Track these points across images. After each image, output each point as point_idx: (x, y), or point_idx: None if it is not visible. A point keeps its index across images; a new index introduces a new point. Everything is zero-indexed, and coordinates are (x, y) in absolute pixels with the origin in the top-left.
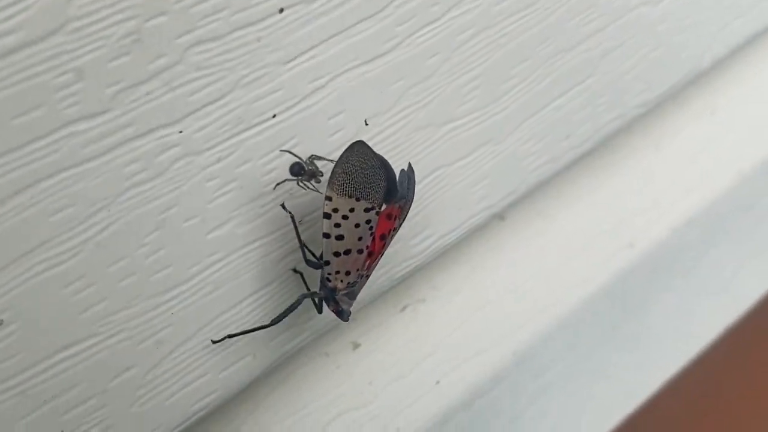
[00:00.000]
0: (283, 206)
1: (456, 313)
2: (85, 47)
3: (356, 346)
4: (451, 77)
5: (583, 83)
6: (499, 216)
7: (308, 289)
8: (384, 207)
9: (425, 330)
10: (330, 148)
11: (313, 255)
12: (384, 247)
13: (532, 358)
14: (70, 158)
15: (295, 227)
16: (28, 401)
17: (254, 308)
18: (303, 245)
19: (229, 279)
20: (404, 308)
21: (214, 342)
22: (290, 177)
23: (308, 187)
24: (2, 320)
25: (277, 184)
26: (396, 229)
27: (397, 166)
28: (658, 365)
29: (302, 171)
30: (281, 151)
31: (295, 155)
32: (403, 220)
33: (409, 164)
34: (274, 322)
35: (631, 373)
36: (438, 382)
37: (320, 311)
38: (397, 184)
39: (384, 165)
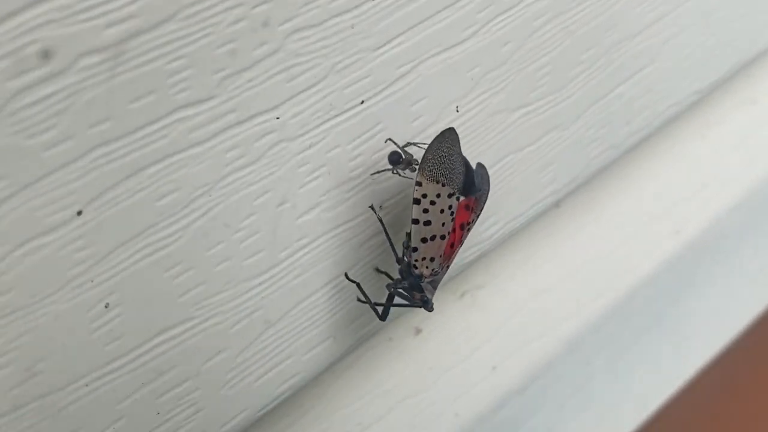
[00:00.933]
0: (372, 208)
1: (512, 299)
2: (196, 34)
3: (418, 331)
4: (524, 63)
5: (644, 70)
6: (555, 203)
7: (364, 294)
8: (463, 198)
9: (483, 316)
10: (412, 133)
11: (394, 249)
12: (463, 237)
13: (582, 346)
14: (178, 144)
15: (384, 228)
16: (127, 384)
17: (338, 291)
18: (391, 242)
19: (316, 263)
20: (463, 294)
21: (346, 277)
22: (388, 165)
23: (402, 175)
24: (108, 303)
25: (376, 172)
26: (473, 221)
27: (474, 151)
28: (696, 350)
29: (400, 159)
30: (386, 141)
31: (396, 143)
32: (480, 213)
33: (480, 163)
34: (383, 317)
35: (670, 360)
36: (494, 368)
37: (384, 318)
38: (475, 178)
39: (463, 159)
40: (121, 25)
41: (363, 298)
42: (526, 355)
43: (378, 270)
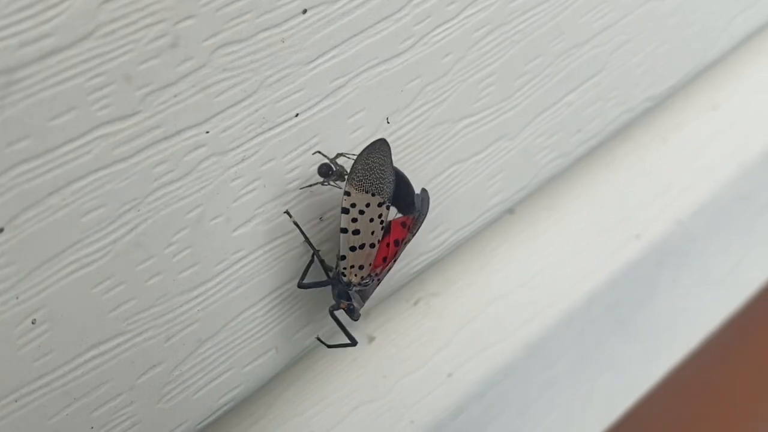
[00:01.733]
0: (287, 213)
1: (468, 306)
2: (116, 50)
3: (371, 339)
4: (466, 74)
5: (594, 78)
6: (509, 210)
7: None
8: (400, 216)
9: (438, 323)
10: (350, 145)
11: (320, 258)
12: (397, 253)
13: (542, 351)
14: (102, 159)
15: (303, 233)
16: (58, 399)
17: (277, 303)
18: (314, 248)
19: (253, 275)
20: (417, 302)
21: (299, 287)
22: (318, 178)
23: (334, 186)
24: (35, 320)
25: (307, 186)
26: (408, 240)
27: (417, 161)
28: (661, 355)
29: (330, 171)
30: (314, 153)
31: (325, 155)
32: (416, 232)
33: (423, 188)
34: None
35: (635, 363)
36: (450, 375)
37: (354, 343)
38: (416, 200)
39: (403, 179)
40: (36, 44)
41: (335, 316)
42: (482, 362)
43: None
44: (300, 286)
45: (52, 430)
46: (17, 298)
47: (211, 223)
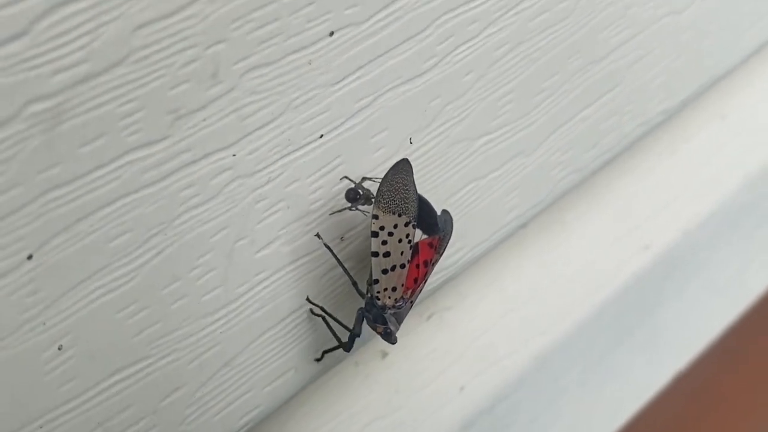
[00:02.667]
0: (318, 236)
1: (480, 319)
2: (148, 76)
3: (384, 355)
4: (486, 92)
5: (610, 93)
6: (520, 226)
7: (329, 320)
8: (426, 237)
9: (450, 337)
10: (372, 165)
11: (353, 281)
12: (427, 274)
13: (552, 363)
14: (130, 185)
15: (335, 257)
16: (82, 424)
17: (297, 324)
18: (348, 273)
19: (275, 297)
20: (430, 317)
21: (317, 360)
22: (345, 203)
23: (362, 211)
24: (61, 345)
25: (336, 211)
26: (436, 261)
27: (436, 179)
28: (665, 363)
29: (358, 196)
30: (341, 179)
31: (351, 180)
32: (442, 252)
33: (445, 209)
34: (349, 345)
35: (639, 372)
36: (462, 389)
37: (349, 349)
38: (438, 221)
39: (423, 201)
40: (69, 71)
41: (328, 327)
42: (494, 375)
43: (309, 300)
44: (350, 343)
45: None
46: (44, 324)
47: (236, 246)
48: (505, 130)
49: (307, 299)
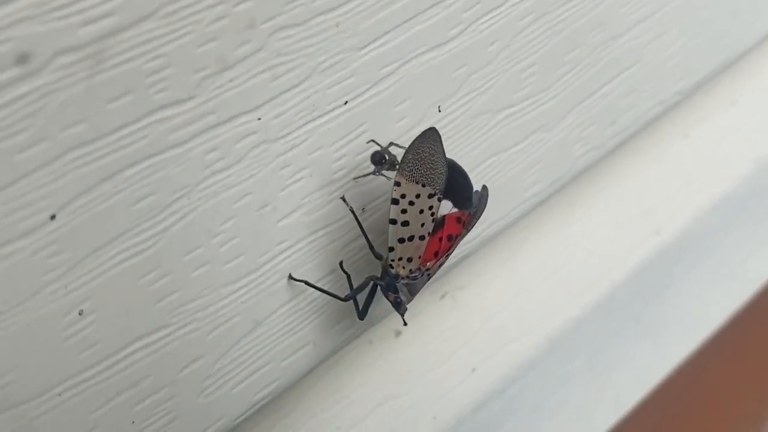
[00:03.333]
0: (343, 199)
1: (493, 300)
2: (176, 32)
3: (398, 334)
4: (510, 63)
5: (629, 70)
6: (538, 203)
7: (352, 286)
8: (456, 210)
9: (463, 317)
10: (396, 134)
11: (368, 240)
12: (450, 249)
13: (563, 346)
14: (156, 145)
15: (357, 220)
16: (101, 393)
17: (317, 296)
18: (366, 236)
19: (296, 267)
20: (444, 296)
21: (291, 278)
22: (370, 167)
23: (386, 176)
24: (82, 310)
25: (361, 176)
26: (462, 236)
27: (458, 152)
28: (672, 349)
29: (383, 160)
30: (368, 142)
31: (378, 144)
32: (470, 229)
33: (485, 185)
34: (347, 298)
35: (646, 357)
36: (474, 370)
37: (362, 317)
38: (474, 196)
39: (460, 172)
40: (98, 23)
41: (350, 293)
42: (506, 356)
43: (341, 267)
44: (346, 299)
45: (93, 425)
46: (66, 287)
47: (258, 213)
48: (527, 102)
49: (340, 265)
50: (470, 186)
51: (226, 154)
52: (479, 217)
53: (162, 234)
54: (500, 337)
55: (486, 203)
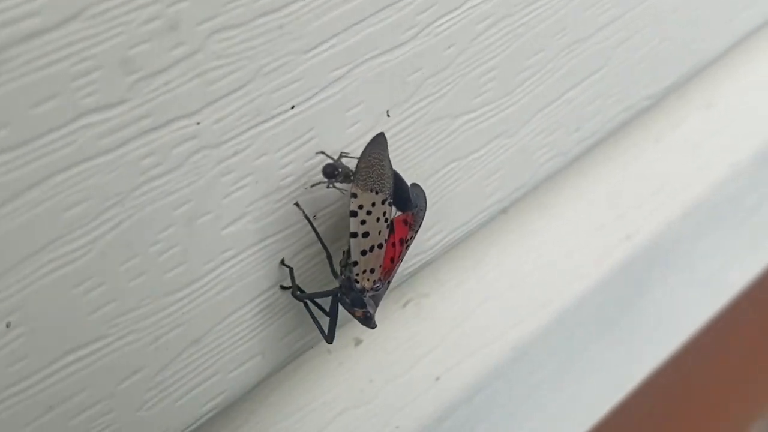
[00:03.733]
0: (297, 205)
1: (458, 307)
2: (105, 33)
3: (358, 342)
4: (468, 68)
5: (595, 75)
6: (501, 210)
7: (294, 283)
8: (401, 213)
9: (427, 325)
10: (346, 140)
11: (328, 253)
12: (403, 252)
13: (531, 353)
14: (86, 151)
15: (315, 230)
16: (34, 407)
17: (265, 306)
18: (326, 248)
19: (242, 276)
20: (406, 303)
21: (282, 288)
22: (323, 179)
23: (338, 188)
24: (9, 322)
25: (314, 184)
26: (412, 238)
27: (415, 158)
28: (645, 356)
29: (336, 172)
30: (317, 153)
31: (329, 156)
32: (418, 229)
33: (414, 183)
34: (330, 338)
35: (619, 365)
36: (438, 378)
37: (331, 340)
38: (411, 195)
39: (396, 175)
40: (19, 24)
41: (310, 312)
42: (471, 365)
43: (283, 263)
44: (297, 296)
45: None
46: None
47: (200, 221)
48: (487, 108)
49: (282, 262)
50: (406, 186)
51: (163, 159)
52: (423, 215)
53: (95, 243)
54: (465, 346)
55: (425, 200)
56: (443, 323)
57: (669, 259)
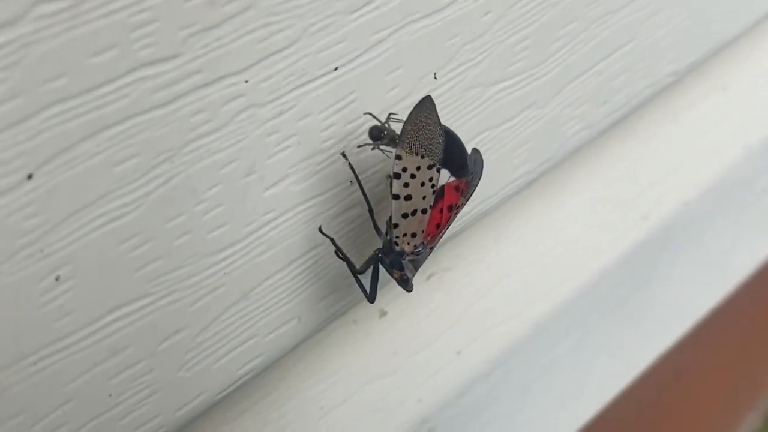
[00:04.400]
0: (344, 155)
1: (479, 282)
2: None
3: (383, 314)
4: (503, 35)
5: (624, 48)
6: (527, 184)
7: (340, 249)
8: (454, 179)
9: (449, 299)
10: (387, 104)
11: (372, 215)
12: (450, 219)
13: (549, 330)
14: (139, 104)
15: (360, 185)
16: (77, 364)
17: (305, 269)
18: (369, 204)
19: (282, 239)
20: (430, 277)
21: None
22: (368, 141)
23: (383, 150)
24: (59, 276)
25: (361, 145)
26: (462, 204)
27: (449, 126)
28: (658, 336)
29: (382, 134)
30: (364, 114)
31: (376, 118)
32: (469, 196)
33: (475, 148)
34: (371, 297)
35: (630, 345)
36: (459, 353)
37: (372, 299)
38: (468, 161)
39: (454, 139)
40: None
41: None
42: (491, 340)
43: (321, 231)
44: (360, 272)
45: (68, 397)
46: (42, 251)
47: (244, 181)
48: (520, 77)
49: (320, 230)
50: (465, 153)
51: (213, 117)
52: (477, 183)
53: (143, 198)
54: (486, 320)
55: (482, 167)
56: (465, 297)
57: (682, 240)
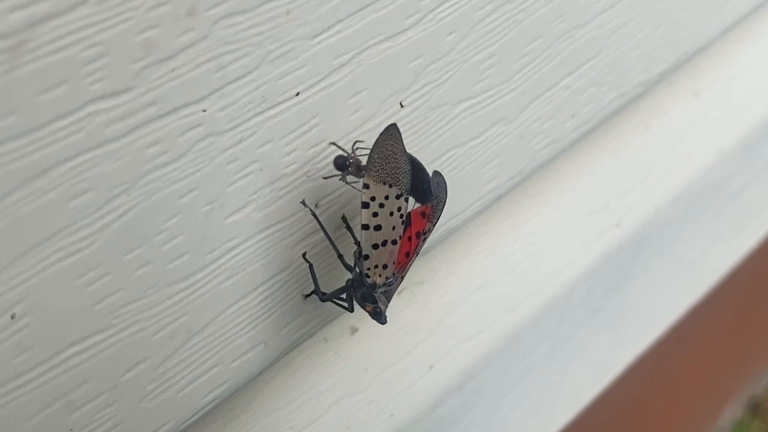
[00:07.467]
0: (303, 203)
1: (451, 296)
2: (113, 19)
3: (354, 330)
4: (468, 54)
5: (591, 62)
6: (496, 198)
7: (315, 280)
8: (419, 206)
9: (421, 313)
10: (350, 127)
11: (338, 253)
12: (419, 246)
13: (521, 341)
14: (93, 139)
15: (323, 228)
16: (37, 399)
17: (268, 295)
18: (334, 245)
19: (245, 265)
20: (401, 291)
21: (305, 296)
22: (335, 171)
23: (348, 182)
24: (14, 314)
25: (328, 176)
26: (430, 230)
27: (415, 146)
28: (630, 342)
29: (347, 163)
30: (329, 144)
31: (340, 147)
32: (436, 221)
33: (436, 171)
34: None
35: (604, 351)
36: (432, 366)
37: (353, 309)
38: (431, 185)
39: (417, 164)
40: (28, 8)
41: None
42: (463, 353)
43: (305, 258)
44: (323, 299)
45: None
46: None
47: (204, 209)
48: (486, 95)
49: (303, 256)
50: (428, 177)
51: (170, 147)
52: (443, 207)
53: (100, 232)
54: (458, 333)
55: (446, 190)
56: (437, 311)
57: (655, 246)
